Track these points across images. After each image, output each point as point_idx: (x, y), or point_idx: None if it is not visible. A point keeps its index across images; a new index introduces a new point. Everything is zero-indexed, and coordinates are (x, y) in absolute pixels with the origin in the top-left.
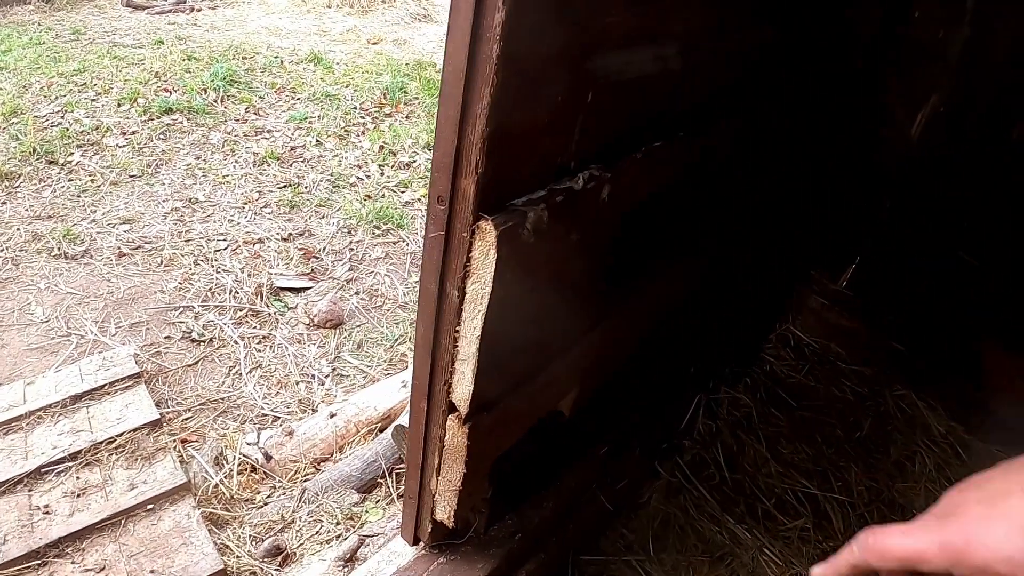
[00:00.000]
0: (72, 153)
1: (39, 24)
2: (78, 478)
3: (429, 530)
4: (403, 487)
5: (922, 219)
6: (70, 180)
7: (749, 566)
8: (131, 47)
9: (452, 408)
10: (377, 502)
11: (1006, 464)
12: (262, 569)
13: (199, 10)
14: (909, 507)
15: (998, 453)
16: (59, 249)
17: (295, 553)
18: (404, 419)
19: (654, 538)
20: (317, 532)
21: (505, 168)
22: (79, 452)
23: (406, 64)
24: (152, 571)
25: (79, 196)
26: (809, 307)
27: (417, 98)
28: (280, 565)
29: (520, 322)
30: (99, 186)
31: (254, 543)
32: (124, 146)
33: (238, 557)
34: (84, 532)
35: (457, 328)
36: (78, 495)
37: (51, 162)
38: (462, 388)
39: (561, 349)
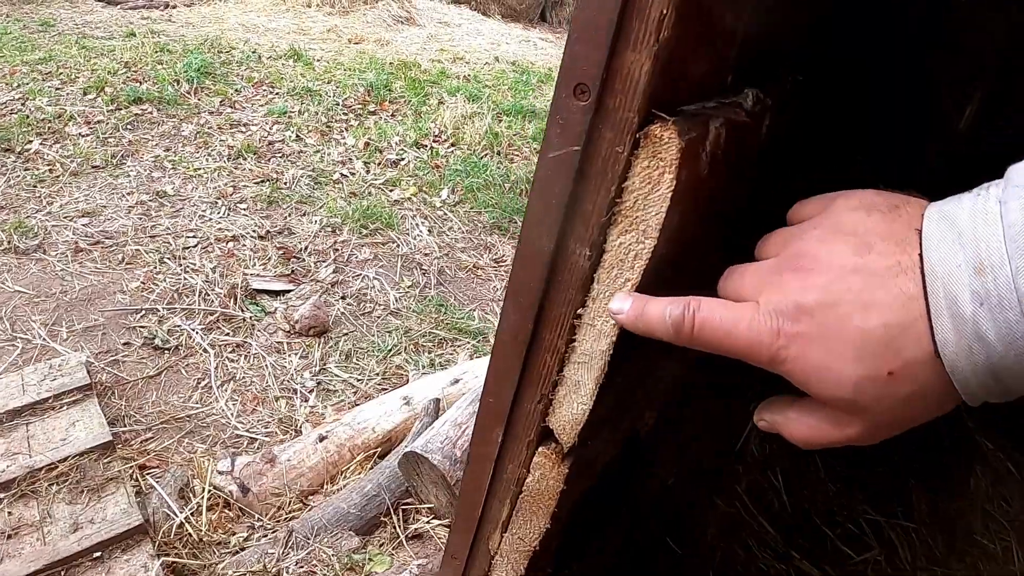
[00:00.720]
0: (31, 141)
1: (7, 15)
2: (9, 514)
3: None
4: (417, 526)
5: None
6: (26, 169)
7: None
8: (101, 39)
9: (546, 437)
10: (381, 546)
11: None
12: None
13: (174, 7)
14: (967, 528)
15: None
16: (8, 242)
17: None
18: (416, 443)
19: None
20: None
21: (683, 52)
22: (12, 481)
23: (390, 63)
24: None
25: (35, 186)
26: None
27: (403, 96)
28: None
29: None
30: (58, 176)
31: None
32: (88, 135)
33: None
34: None
35: (580, 311)
36: (8, 536)
37: (6, 150)
38: (571, 408)
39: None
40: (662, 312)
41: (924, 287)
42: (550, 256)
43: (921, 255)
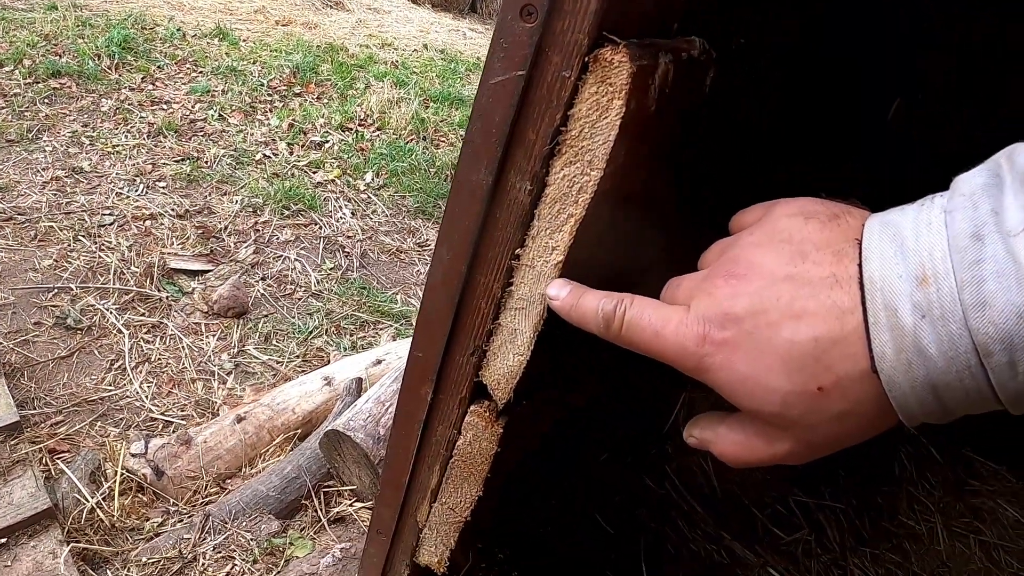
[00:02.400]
0: None
1: None
2: None
3: None
4: (339, 509)
5: None
6: None
7: None
8: (22, 11)
9: (479, 395)
10: (303, 530)
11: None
12: None
13: None
14: (893, 511)
15: (971, 455)
16: None
17: None
18: (338, 422)
19: (647, 563)
20: (228, 574)
21: None
22: None
23: (317, 46)
24: None
25: None
26: None
27: (329, 80)
28: None
29: (607, 249)
30: None
31: None
32: (2, 109)
33: None
34: None
35: (518, 251)
36: None
37: None
38: (506, 359)
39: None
40: (596, 305)
41: (862, 298)
42: (487, 191)
43: (860, 265)
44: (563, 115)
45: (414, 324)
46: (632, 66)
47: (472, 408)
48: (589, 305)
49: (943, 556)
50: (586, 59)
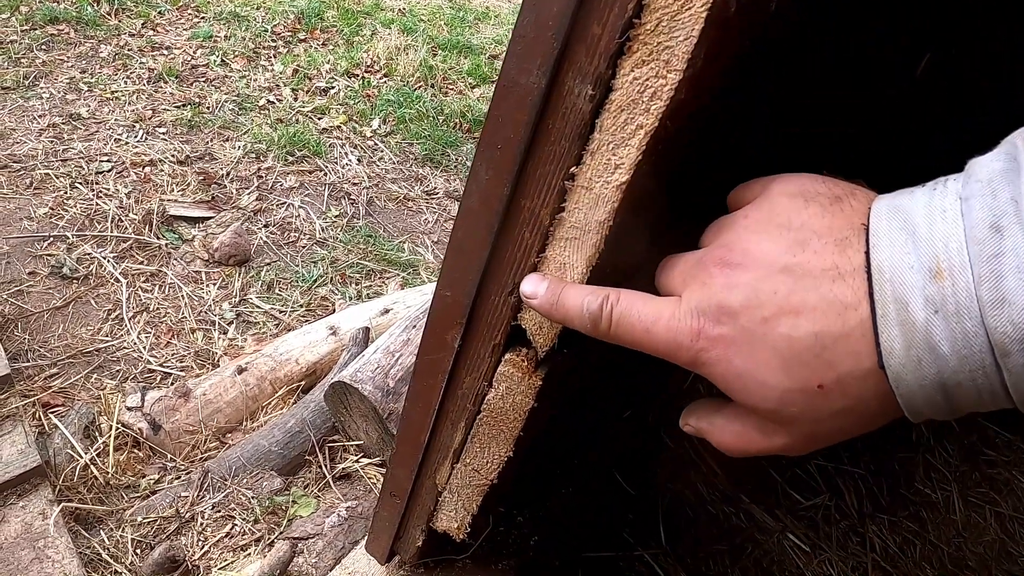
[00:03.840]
0: None
1: None
2: None
3: (418, 544)
4: (345, 465)
5: None
6: None
7: (773, 554)
8: None
9: (515, 340)
10: (306, 487)
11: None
12: None
13: None
14: (909, 478)
15: (985, 423)
16: None
17: (198, 567)
18: (344, 373)
19: (665, 525)
20: (228, 534)
21: None
22: None
23: None
24: None
25: None
26: None
27: (335, 26)
28: None
29: (669, 177)
30: None
31: (139, 552)
32: None
33: (116, 574)
34: None
35: (573, 170)
36: None
37: None
38: None
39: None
40: (580, 302)
41: (869, 289)
42: (539, 96)
43: (868, 253)
44: (637, 4)
45: (443, 256)
46: None
47: (507, 357)
48: (572, 303)
49: (959, 526)
50: None
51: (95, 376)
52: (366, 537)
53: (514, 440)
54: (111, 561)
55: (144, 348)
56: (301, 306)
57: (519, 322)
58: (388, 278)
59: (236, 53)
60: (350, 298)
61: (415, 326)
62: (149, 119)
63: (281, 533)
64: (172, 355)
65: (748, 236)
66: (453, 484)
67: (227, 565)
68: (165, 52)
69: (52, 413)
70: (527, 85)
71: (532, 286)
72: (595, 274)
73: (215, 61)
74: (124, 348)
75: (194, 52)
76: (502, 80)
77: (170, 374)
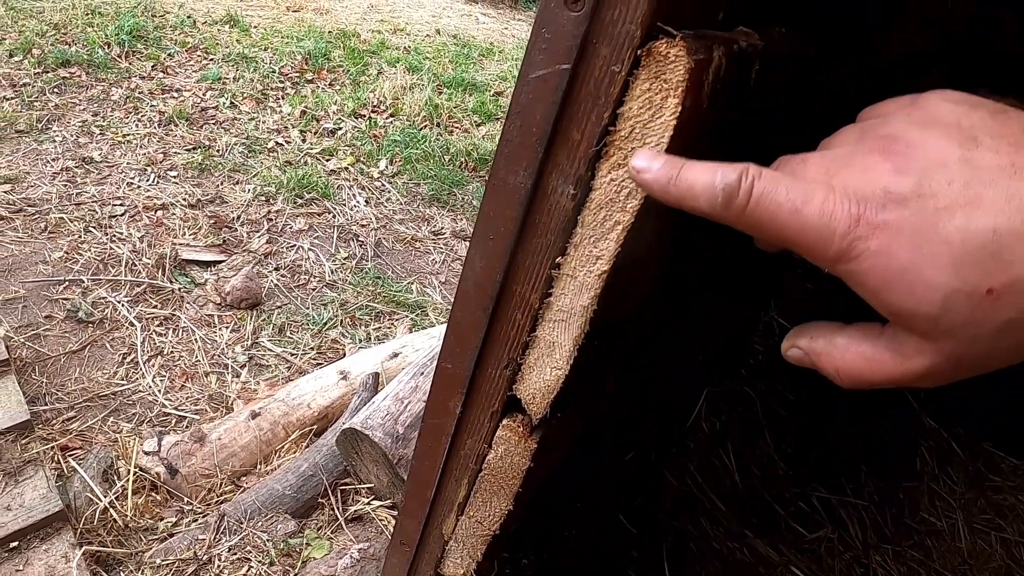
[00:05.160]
0: None
1: None
2: None
3: None
4: (356, 508)
5: None
6: None
7: None
8: (30, 0)
9: (511, 408)
10: (319, 530)
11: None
12: None
13: None
14: (914, 507)
15: (991, 449)
16: None
17: None
18: (355, 420)
19: (670, 562)
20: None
21: None
22: None
23: (329, 32)
24: None
25: None
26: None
27: (341, 66)
28: None
29: (650, 252)
30: None
31: None
32: (12, 99)
33: None
34: None
35: (559, 260)
36: None
37: None
38: (543, 374)
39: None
40: (711, 177)
41: None
42: (526, 194)
43: None
44: (611, 113)
45: (443, 336)
46: (690, 61)
47: (504, 422)
48: (700, 178)
49: (964, 553)
50: (638, 52)
51: (112, 419)
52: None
53: (514, 495)
54: None
55: (159, 391)
56: (312, 348)
57: (514, 392)
58: (397, 320)
59: (245, 95)
60: (360, 340)
61: (423, 373)
62: (160, 162)
63: (296, 575)
64: (186, 398)
65: (912, 130)
66: (458, 534)
67: None
68: (175, 94)
69: (71, 456)
70: (515, 185)
71: (646, 160)
72: (579, 353)
73: (224, 103)
74: (139, 391)
75: (203, 94)
76: (492, 180)
77: (185, 417)
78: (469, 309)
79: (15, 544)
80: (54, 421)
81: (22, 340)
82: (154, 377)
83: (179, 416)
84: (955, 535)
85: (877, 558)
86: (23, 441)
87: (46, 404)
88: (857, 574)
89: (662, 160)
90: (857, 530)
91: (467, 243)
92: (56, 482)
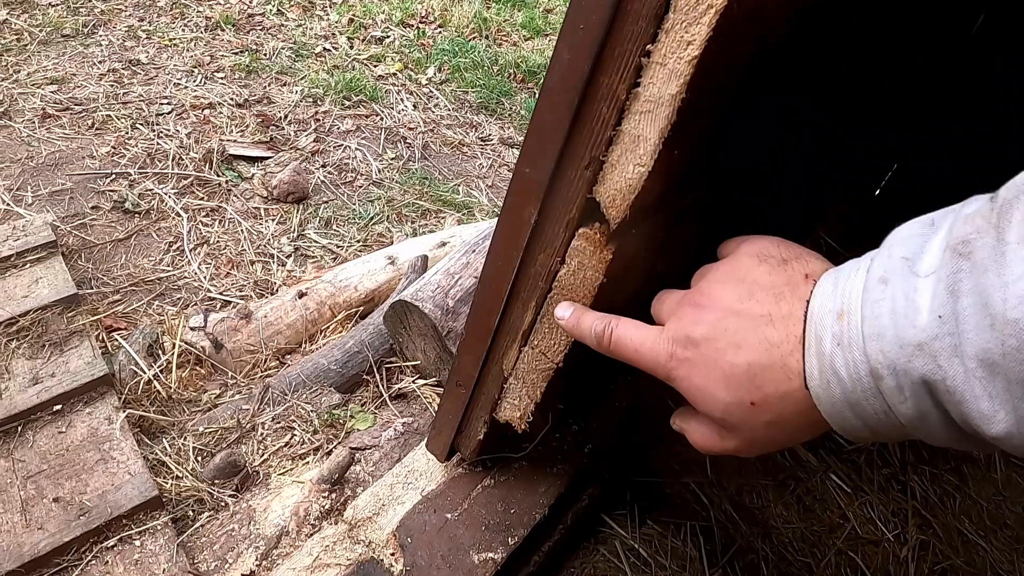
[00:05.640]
0: None
1: None
2: None
3: (480, 437)
4: (401, 385)
5: None
6: None
7: (816, 492)
8: None
9: (589, 217)
10: (364, 405)
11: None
12: (212, 495)
13: None
14: None
15: None
16: None
17: (258, 472)
18: (405, 292)
19: (710, 456)
20: (287, 443)
21: None
22: None
23: None
24: (56, 499)
25: (1, 55)
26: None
27: None
28: (238, 489)
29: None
30: (26, 45)
31: (200, 458)
32: (58, 5)
33: (178, 478)
34: None
35: (648, 47)
36: None
37: None
38: (625, 171)
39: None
40: (590, 325)
41: (804, 328)
42: None
43: (809, 301)
44: None
45: (523, 138)
46: None
47: (581, 231)
48: (585, 324)
49: (999, 485)
50: None
51: (157, 303)
52: (426, 437)
53: None
54: (173, 467)
55: (205, 278)
56: (358, 241)
57: (593, 195)
58: (443, 218)
59: (292, 3)
60: (406, 235)
61: (475, 250)
62: (207, 65)
63: (339, 443)
64: (232, 284)
65: (715, 287)
66: (519, 369)
67: (287, 472)
68: (221, 1)
69: (116, 334)
70: None
71: (562, 311)
72: (664, 150)
73: (271, 10)
74: (185, 277)
75: (250, 1)
76: None
77: (230, 302)
78: (554, 105)
79: (59, 407)
80: (100, 304)
81: (69, 229)
82: (200, 264)
83: (224, 301)
84: (991, 466)
85: (915, 477)
86: (69, 314)
87: (92, 288)
88: (895, 489)
89: (571, 311)
90: (895, 448)
91: (515, 150)
92: (101, 354)
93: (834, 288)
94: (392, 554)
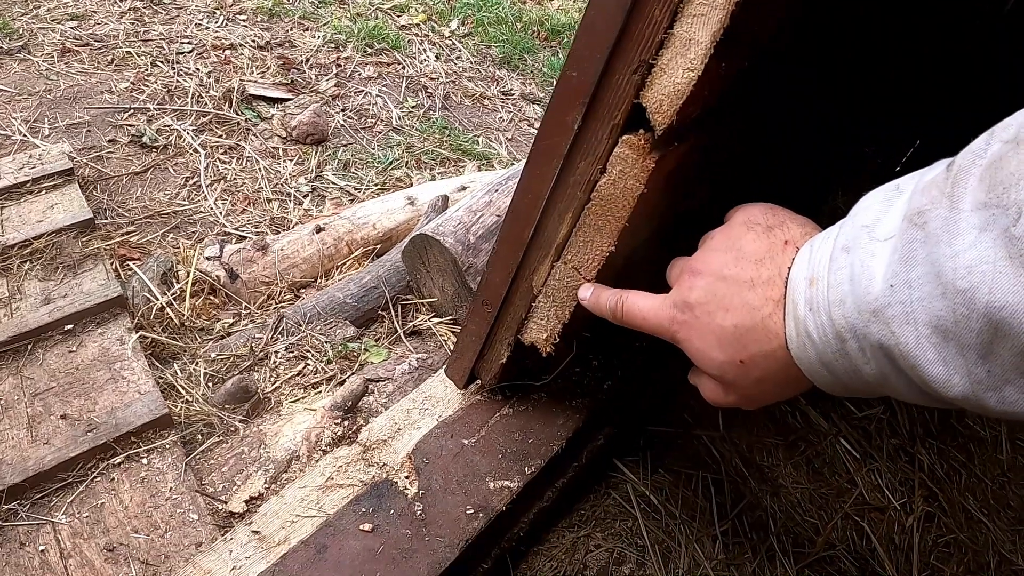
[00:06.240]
0: None
1: None
2: None
3: (502, 361)
4: (416, 323)
5: None
6: None
7: (826, 455)
8: None
9: (634, 124)
10: (378, 340)
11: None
12: (222, 419)
13: None
14: (961, 411)
15: None
16: None
17: (269, 399)
18: (427, 227)
19: (723, 411)
20: (300, 372)
21: None
22: None
23: None
24: (64, 416)
25: None
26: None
27: None
28: (248, 415)
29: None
30: None
31: (211, 384)
32: None
33: (188, 402)
34: None
35: None
36: None
37: None
38: (674, 75)
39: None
40: (606, 301)
41: (784, 293)
42: None
43: (791, 268)
44: None
45: (573, 38)
46: None
47: (624, 138)
48: (602, 301)
49: (1004, 465)
50: None
51: (172, 235)
52: (446, 363)
53: (618, 232)
54: (183, 392)
55: (220, 213)
56: (376, 184)
57: (640, 100)
58: (462, 166)
59: None
60: (426, 180)
61: (497, 190)
62: (229, 7)
63: (353, 374)
64: (248, 221)
65: (709, 253)
66: (550, 286)
67: (299, 399)
68: None
69: (130, 263)
70: None
71: (584, 291)
72: (716, 55)
73: None
74: (201, 212)
75: None
76: None
77: (246, 237)
78: (605, 6)
79: (70, 327)
80: (115, 234)
81: (85, 161)
82: (216, 200)
83: (240, 236)
84: (997, 447)
85: (922, 449)
86: (84, 239)
87: (106, 218)
88: (903, 460)
89: (591, 290)
90: (905, 419)
91: (536, 106)
92: (114, 278)
93: (808, 256)
94: (407, 477)
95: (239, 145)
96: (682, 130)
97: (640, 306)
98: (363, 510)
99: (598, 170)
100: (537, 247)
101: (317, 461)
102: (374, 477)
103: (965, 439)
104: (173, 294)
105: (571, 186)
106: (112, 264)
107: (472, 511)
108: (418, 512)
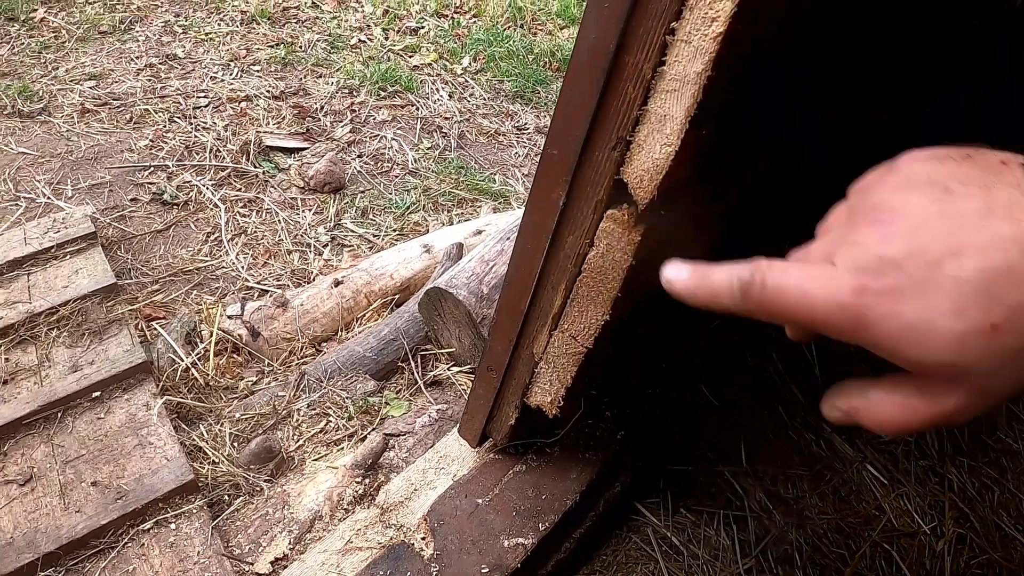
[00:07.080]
0: (35, 9)
1: None
2: (7, 360)
3: (511, 422)
4: (436, 373)
5: None
6: (31, 36)
7: (852, 483)
8: None
9: (616, 199)
10: (398, 392)
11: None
12: (247, 480)
13: None
14: (991, 425)
15: None
16: (12, 107)
17: (293, 458)
18: (440, 280)
19: (746, 444)
20: (322, 430)
21: None
22: (10, 327)
23: None
24: (95, 483)
25: (40, 52)
26: None
27: None
28: (273, 474)
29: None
30: (64, 42)
31: (236, 444)
32: (95, 2)
33: (214, 463)
34: (7, 429)
35: (673, 25)
36: (4, 381)
37: (10, 19)
38: (652, 151)
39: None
40: (728, 273)
41: None
42: None
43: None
44: None
45: (551, 119)
46: None
47: (609, 213)
48: (719, 277)
49: None
50: None
51: (195, 292)
52: (458, 423)
53: (612, 301)
54: (209, 452)
55: (242, 268)
56: (394, 230)
57: (621, 176)
58: (479, 207)
59: None
60: (442, 223)
61: (509, 238)
62: (243, 58)
63: (373, 430)
64: (269, 274)
65: (892, 196)
66: (550, 353)
67: (321, 457)
68: None
69: (154, 323)
70: None
71: (675, 270)
72: (692, 128)
73: (305, 3)
74: (223, 267)
75: None
76: None
77: (267, 290)
78: (580, 84)
79: (97, 394)
80: (139, 294)
81: (108, 221)
82: (237, 254)
83: (262, 290)
84: None
85: (952, 469)
86: (108, 304)
87: (131, 278)
88: (932, 481)
89: (688, 269)
90: (934, 439)
91: None
92: (139, 343)
93: None
94: (423, 538)
95: (258, 197)
96: (669, 198)
97: (798, 276)
98: (381, 574)
99: (586, 244)
100: (535, 317)
101: (339, 522)
102: (391, 539)
103: (997, 453)
104: (197, 354)
105: (562, 259)
106: (137, 326)
107: (487, 570)
108: (434, 573)
